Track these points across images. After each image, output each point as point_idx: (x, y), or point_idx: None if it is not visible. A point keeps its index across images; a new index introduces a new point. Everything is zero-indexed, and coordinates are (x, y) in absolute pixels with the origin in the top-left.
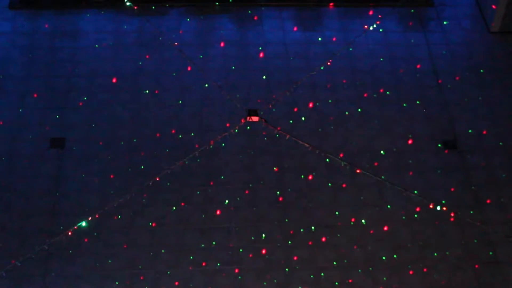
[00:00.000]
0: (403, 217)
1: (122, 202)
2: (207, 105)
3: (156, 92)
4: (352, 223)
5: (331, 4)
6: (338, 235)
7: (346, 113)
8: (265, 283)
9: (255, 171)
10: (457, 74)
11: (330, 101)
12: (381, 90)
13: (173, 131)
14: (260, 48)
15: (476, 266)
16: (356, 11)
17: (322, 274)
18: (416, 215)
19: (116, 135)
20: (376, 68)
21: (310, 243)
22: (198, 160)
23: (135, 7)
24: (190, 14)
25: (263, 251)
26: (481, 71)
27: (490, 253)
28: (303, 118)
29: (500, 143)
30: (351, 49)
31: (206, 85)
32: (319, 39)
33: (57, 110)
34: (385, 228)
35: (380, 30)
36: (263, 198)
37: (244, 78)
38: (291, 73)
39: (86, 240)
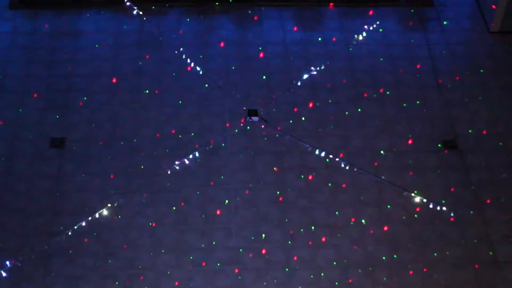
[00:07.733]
0: (403, 217)
1: (122, 202)
2: (207, 105)
3: (156, 92)
4: (352, 223)
5: (331, 4)
6: (338, 235)
7: (346, 113)
8: (265, 283)
9: (255, 171)
10: (457, 74)
11: (330, 101)
12: (381, 90)
13: (173, 131)
14: (260, 48)
15: (476, 266)
16: (356, 11)
17: (322, 274)
18: (416, 215)
19: (116, 135)
20: (376, 68)
21: (310, 243)
22: (198, 160)
23: (134, 12)
24: (190, 14)
25: (263, 251)
26: (481, 71)
27: (490, 253)
28: (303, 118)
29: (500, 143)
30: (351, 49)
31: (206, 85)
32: (319, 39)
33: (57, 110)
34: (385, 228)
35: (380, 30)
36: (263, 198)
37: (244, 78)
38: (291, 73)
39: (86, 240)
